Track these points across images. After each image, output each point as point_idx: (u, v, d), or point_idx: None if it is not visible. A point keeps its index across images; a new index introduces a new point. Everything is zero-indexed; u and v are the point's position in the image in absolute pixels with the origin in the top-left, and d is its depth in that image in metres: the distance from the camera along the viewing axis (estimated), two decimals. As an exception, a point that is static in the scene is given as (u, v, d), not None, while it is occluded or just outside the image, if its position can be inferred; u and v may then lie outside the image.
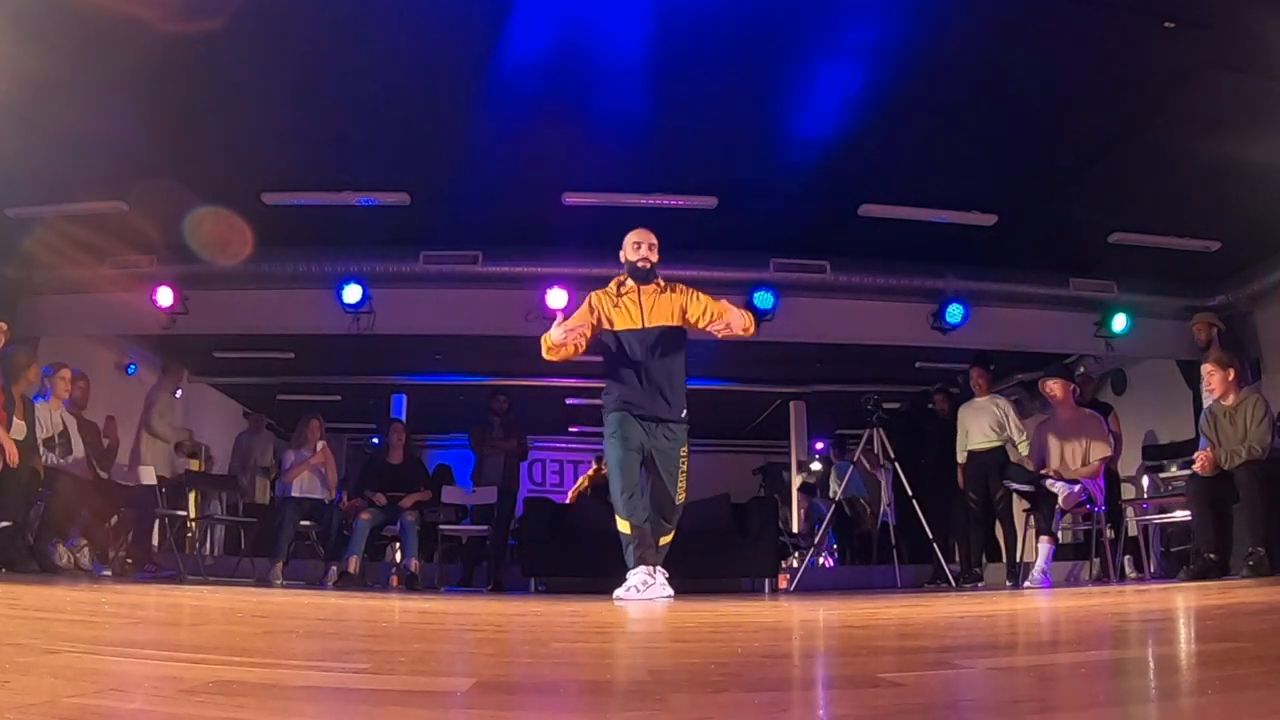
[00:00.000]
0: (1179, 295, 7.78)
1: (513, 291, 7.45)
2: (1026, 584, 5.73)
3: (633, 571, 4.21)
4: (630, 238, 4.49)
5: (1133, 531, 6.83)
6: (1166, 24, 4.42)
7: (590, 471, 10.02)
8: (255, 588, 5.46)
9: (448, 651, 1.67)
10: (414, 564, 6.53)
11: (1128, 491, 7.22)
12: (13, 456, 5.31)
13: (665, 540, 4.40)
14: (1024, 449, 6.43)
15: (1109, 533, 6.32)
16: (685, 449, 4.37)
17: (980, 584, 6.71)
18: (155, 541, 7.04)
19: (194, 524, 7.99)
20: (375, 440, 7.69)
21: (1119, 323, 7.75)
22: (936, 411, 7.90)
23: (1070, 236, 7.07)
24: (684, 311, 4.39)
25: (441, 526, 7.41)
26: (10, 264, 7.05)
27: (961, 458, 6.97)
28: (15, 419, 5.58)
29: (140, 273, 7.17)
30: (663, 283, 4.47)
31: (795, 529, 10.16)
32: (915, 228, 6.85)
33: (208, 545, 9.20)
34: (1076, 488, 5.78)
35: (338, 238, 7.05)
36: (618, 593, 4.20)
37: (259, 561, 7.07)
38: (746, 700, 1.03)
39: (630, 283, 4.46)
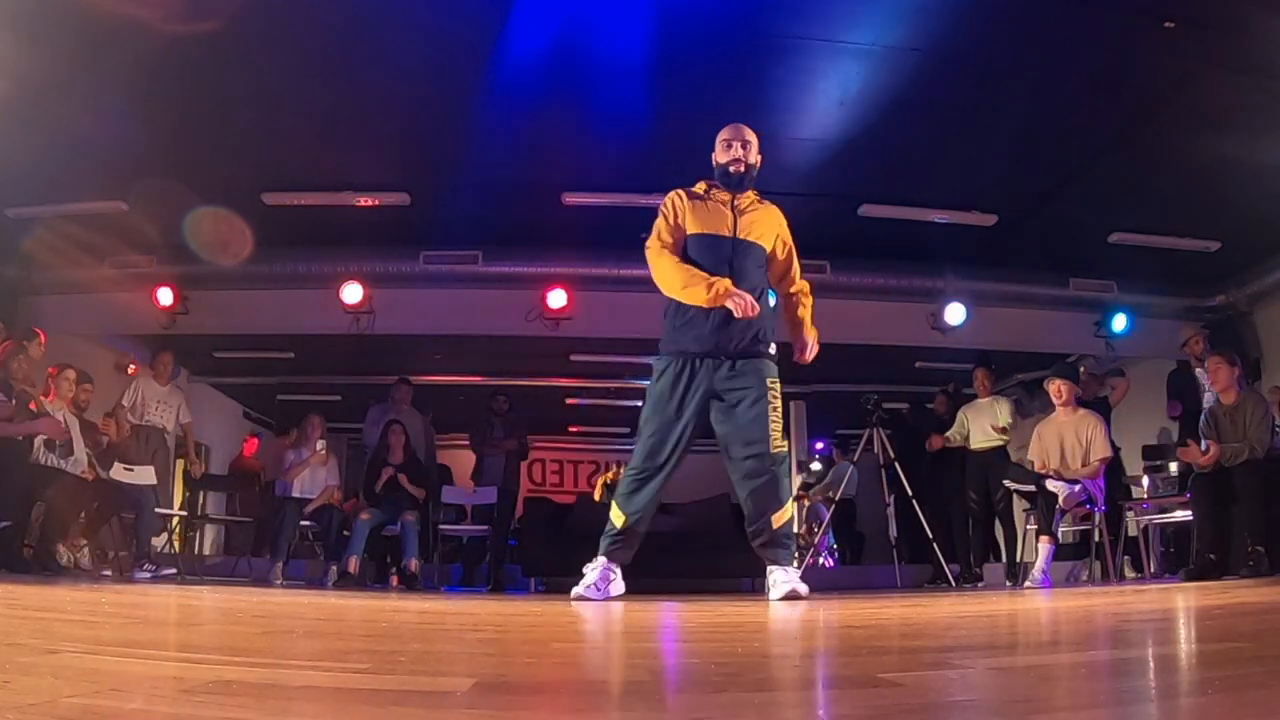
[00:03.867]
0: (1179, 295, 7.79)
1: (513, 291, 7.45)
2: (1026, 584, 5.72)
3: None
4: (720, 135, 3.75)
5: (1132, 531, 6.83)
6: (1166, 24, 4.42)
7: (609, 475, 9.97)
8: (255, 587, 5.45)
9: (448, 651, 1.67)
10: (414, 564, 6.53)
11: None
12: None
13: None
14: (1014, 455, 6.46)
15: (1108, 533, 6.32)
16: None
17: (980, 584, 6.71)
18: (155, 541, 7.04)
19: (178, 523, 7.94)
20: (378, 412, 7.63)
21: (1119, 323, 7.75)
22: (936, 412, 7.91)
23: (1070, 236, 7.07)
24: (779, 238, 3.77)
25: (441, 526, 7.41)
26: (10, 264, 7.05)
27: (957, 440, 6.97)
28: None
29: (140, 273, 7.18)
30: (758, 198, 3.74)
31: (795, 529, 10.16)
32: (915, 228, 6.85)
33: (207, 545, 9.22)
34: (1077, 488, 5.77)
35: (338, 238, 7.05)
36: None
37: (258, 561, 7.08)
38: (746, 700, 1.03)
39: (719, 191, 3.73)
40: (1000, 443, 6.85)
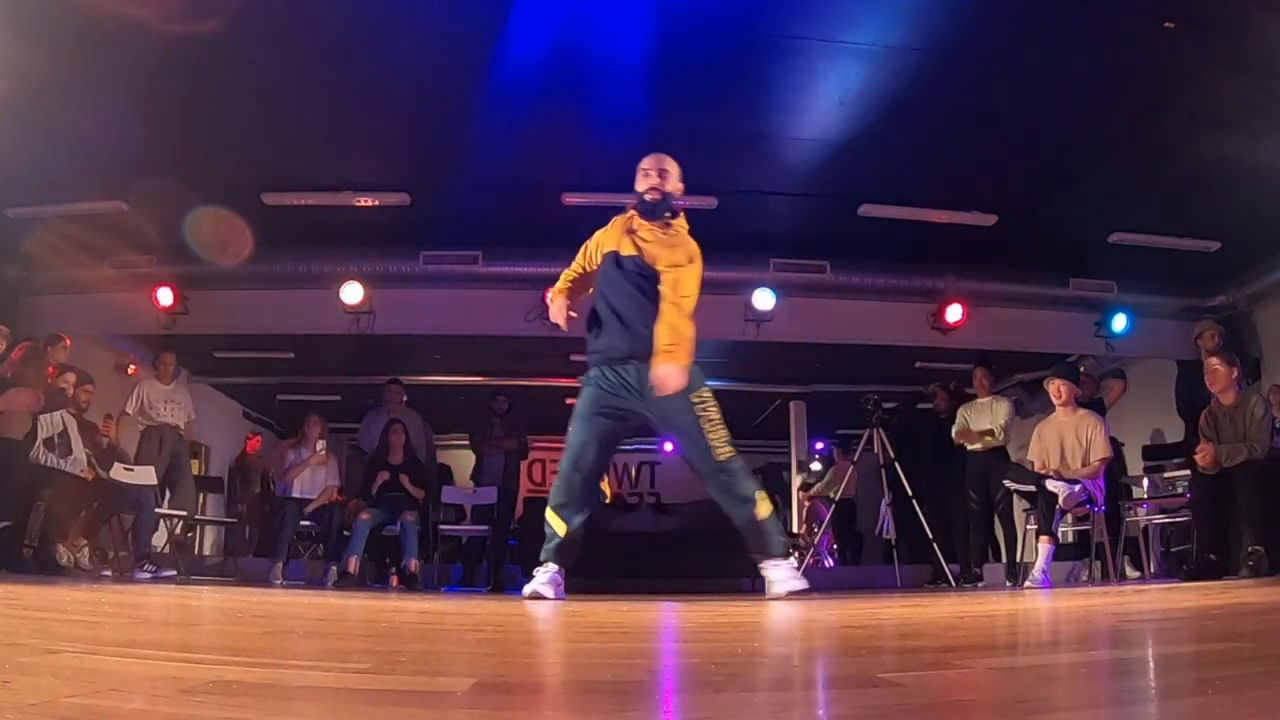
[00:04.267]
0: (1179, 295, 7.79)
1: (513, 291, 7.45)
2: (1026, 584, 5.72)
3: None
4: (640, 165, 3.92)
5: (1132, 531, 6.83)
6: (1166, 24, 4.42)
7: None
8: (255, 587, 5.45)
9: (448, 651, 1.67)
10: (414, 564, 6.53)
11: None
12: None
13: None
14: (1013, 455, 6.46)
15: (1108, 533, 6.32)
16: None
17: (980, 584, 6.71)
18: (156, 541, 7.04)
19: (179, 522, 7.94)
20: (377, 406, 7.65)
21: (1119, 323, 7.74)
22: (935, 411, 7.91)
23: (1070, 236, 7.07)
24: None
25: (441, 526, 7.41)
26: (10, 264, 7.05)
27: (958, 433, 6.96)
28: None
29: (140, 273, 7.18)
30: (674, 225, 3.83)
31: (795, 529, 10.16)
32: (915, 228, 6.85)
33: (207, 545, 9.22)
34: (1077, 488, 5.77)
35: (338, 238, 7.05)
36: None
37: (257, 561, 7.09)
38: (746, 700, 1.03)
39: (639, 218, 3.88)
40: (999, 443, 6.85)
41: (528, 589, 3.76)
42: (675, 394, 3.57)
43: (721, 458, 3.64)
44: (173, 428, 7.08)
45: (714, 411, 3.68)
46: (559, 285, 4.08)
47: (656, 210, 3.85)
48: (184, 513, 7.10)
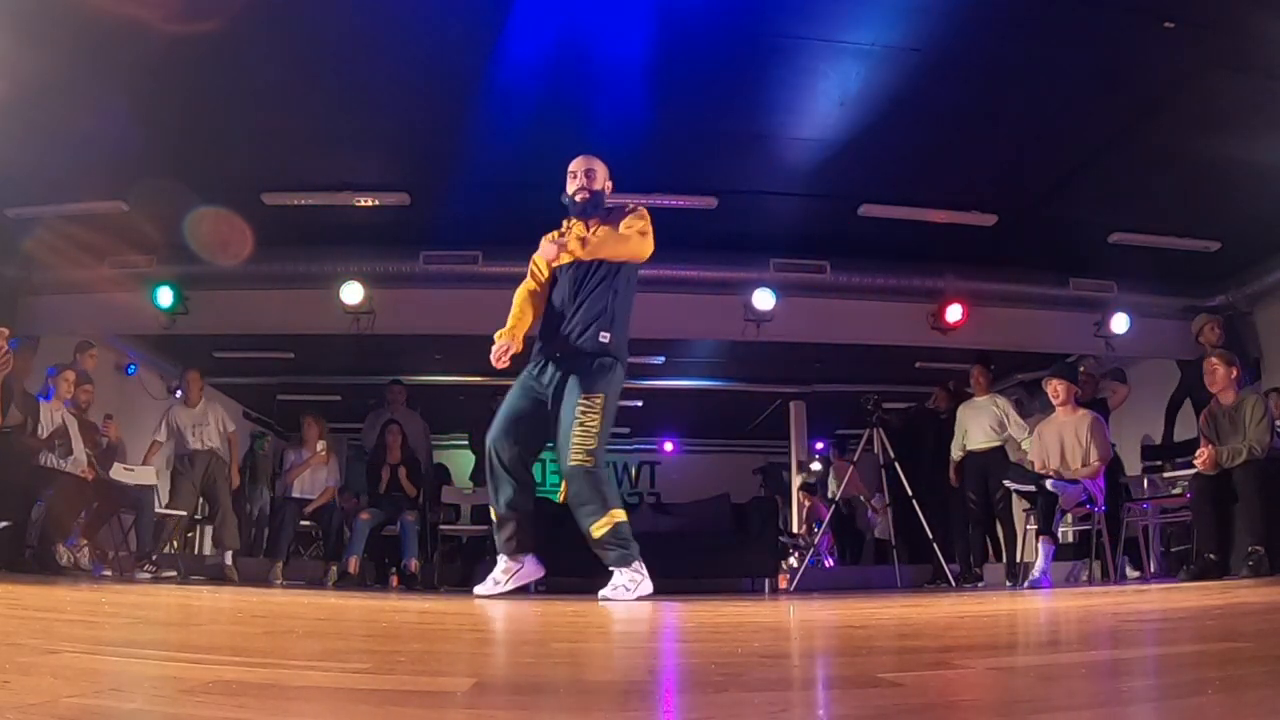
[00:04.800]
0: (1179, 295, 7.79)
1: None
2: (1026, 584, 5.72)
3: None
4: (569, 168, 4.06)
5: (1132, 531, 6.83)
6: (1166, 24, 4.42)
7: None
8: (255, 587, 5.45)
9: (448, 651, 1.67)
10: (414, 564, 6.53)
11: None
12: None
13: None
14: (1027, 445, 6.43)
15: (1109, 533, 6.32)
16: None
17: (980, 584, 6.71)
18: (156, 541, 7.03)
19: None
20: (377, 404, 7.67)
21: (1119, 323, 7.74)
22: (936, 411, 7.91)
23: (1070, 236, 7.07)
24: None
25: (441, 526, 7.41)
26: (10, 264, 7.05)
27: (957, 455, 6.99)
28: (13, 408, 5.59)
29: (140, 273, 7.17)
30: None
31: (795, 529, 10.17)
32: (915, 228, 6.85)
33: (207, 546, 9.19)
34: (1077, 488, 5.77)
35: (338, 238, 7.05)
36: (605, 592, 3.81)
37: (258, 561, 7.08)
38: (746, 700, 1.03)
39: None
40: (999, 443, 6.85)
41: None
42: (573, 387, 3.69)
43: (572, 463, 3.66)
44: (205, 453, 6.88)
45: (594, 419, 3.68)
46: (508, 324, 4.17)
47: (586, 210, 3.96)
48: (183, 513, 7.08)
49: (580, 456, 3.64)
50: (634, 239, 3.84)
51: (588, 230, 3.90)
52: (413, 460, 7.15)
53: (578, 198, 3.96)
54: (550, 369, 3.85)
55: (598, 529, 3.67)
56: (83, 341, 6.55)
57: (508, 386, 4.18)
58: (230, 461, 7.09)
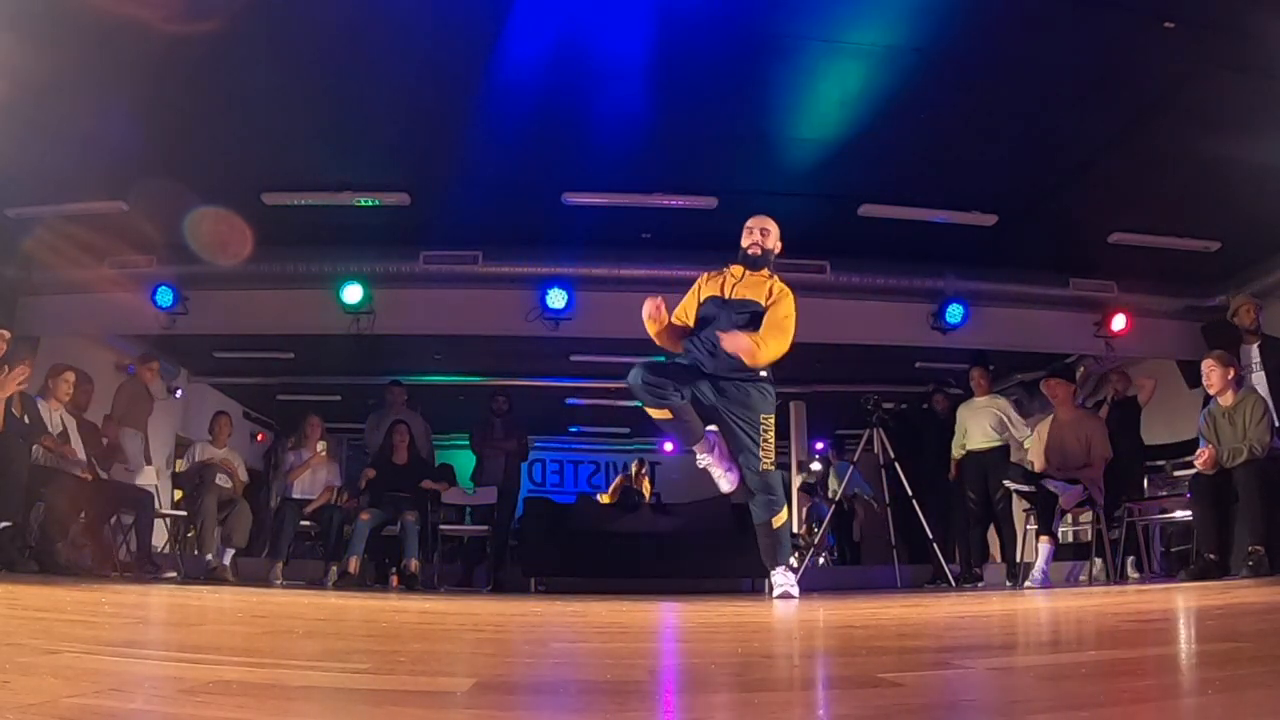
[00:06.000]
0: (1179, 295, 7.78)
1: (513, 291, 7.46)
2: (1026, 584, 5.73)
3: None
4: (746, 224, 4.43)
5: (1132, 532, 6.83)
6: (1166, 24, 4.42)
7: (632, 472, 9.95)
8: (255, 587, 5.46)
9: (448, 651, 1.67)
10: (414, 564, 6.53)
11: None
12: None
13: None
14: (1029, 444, 6.43)
15: (1109, 533, 6.32)
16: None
17: (980, 584, 6.71)
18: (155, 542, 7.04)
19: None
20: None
21: (1119, 323, 7.75)
22: (935, 411, 7.91)
23: (1070, 236, 7.07)
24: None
25: (441, 526, 7.41)
26: (10, 264, 7.05)
27: (958, 454, 6.99)
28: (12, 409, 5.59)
29: (140, 273, 7.17)
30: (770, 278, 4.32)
31: (795, 529, 10.16)
32: (915, 228, 6.85)
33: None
34: (1077, 488, 5.78)
35: (338, 238, 7.05)
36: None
37: (257, 561, 7.08)
38: (746, 700, 1.04)
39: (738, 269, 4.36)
40: (999, 443, 6.85)
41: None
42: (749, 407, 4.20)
43: (764, 467, 4.19)
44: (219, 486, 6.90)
45: (770, 433, 4.23)
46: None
47: (754, 264, 4.33)
48: (183, 513, 7.08)
49: (768, 463, 4.22)
50: (790, 333, 4.33)
51: (740, 277, 4.32)
52: (420, 460, 7.16)
53: (750, 251, 4.33)
54: (716, 384, 4.18)
55: (779, 520, 4.20)
56: (146, 354, 6.48)
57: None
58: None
